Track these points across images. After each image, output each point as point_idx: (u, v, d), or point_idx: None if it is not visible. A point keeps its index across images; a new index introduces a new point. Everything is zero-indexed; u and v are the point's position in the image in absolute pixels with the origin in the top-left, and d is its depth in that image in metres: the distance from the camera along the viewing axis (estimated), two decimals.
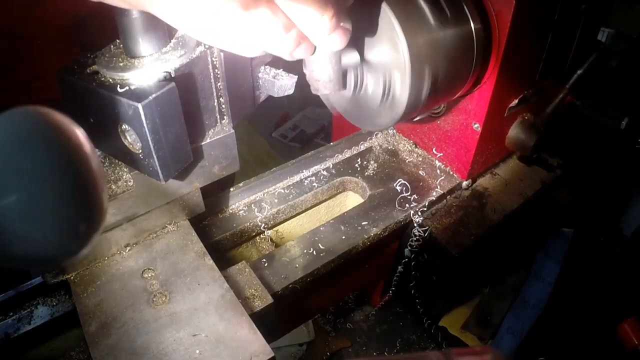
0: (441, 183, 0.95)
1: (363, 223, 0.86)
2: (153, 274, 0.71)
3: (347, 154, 1.03)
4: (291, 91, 0.72)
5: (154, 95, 0.56)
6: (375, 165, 1.01)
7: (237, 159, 0.77)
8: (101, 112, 0.60)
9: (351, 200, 1.06)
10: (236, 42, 0.53)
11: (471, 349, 0.90)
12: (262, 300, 0.70)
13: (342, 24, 0.54)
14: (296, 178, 0.97)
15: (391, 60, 0.66)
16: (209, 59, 0.65)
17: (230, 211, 0.90)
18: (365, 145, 1.06)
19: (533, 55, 0.85)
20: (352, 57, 0.66)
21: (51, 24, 0.80)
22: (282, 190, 0.95)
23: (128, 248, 0.75)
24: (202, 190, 0.78)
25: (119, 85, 0.57)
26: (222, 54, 0.65)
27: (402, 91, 0.68)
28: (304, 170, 0.98)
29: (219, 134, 0.72)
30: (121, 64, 0.60)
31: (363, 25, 0.68)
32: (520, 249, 1.33)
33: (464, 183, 0.96)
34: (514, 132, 0.94)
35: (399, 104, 0.70)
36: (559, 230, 1.35)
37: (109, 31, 0.63)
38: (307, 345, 1.21)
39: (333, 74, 0.62)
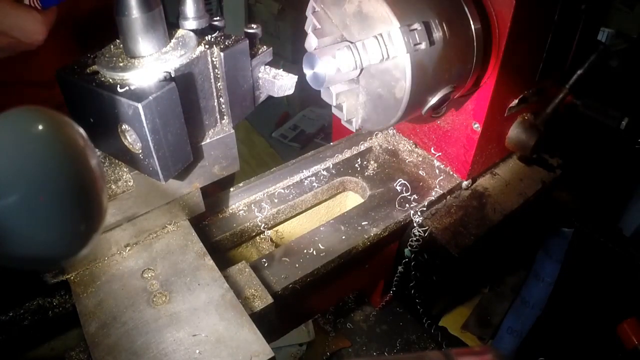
0: (441, 183, 0.95)
1: (363, 223, 0.86)
2: (153, 274, 0.71)
3: (347, 154, 1.03)
4: (291, 91, 0.72)
5: (154, 95, 0.55)
6: (375, 165, 1.01)
7: (237, 159, 0.77)
8: (101, 112, 0.60)
9: (351, 200, 1.06)
10: None
11: (471, 349, 0.90)
12: (262, 300, 0.70)
13: None
14: (296, 178, 0.97)
15: (391, 60, 0.66)
16: (209, 59, 0.65)
17: (230, 211, 0.90)
18: (365, 145, 1.06)
19: (533, 55, 0.85)
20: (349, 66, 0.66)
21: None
22: (282, 190, 0.95)
23: (128, 248, 0.75)
24: (202, 190, 0.78)
25: (119, 85, 0.57)
26: (222, 54, 0.65)
27: (402, 91, 0.68)
28: (304, 170, 0.98)
29: (219, 134, 0.72)
30: (121, 64, 0.60)
31: (362, 23, 0.68)
32: (520, 249, 1.33)
33: (464, 183, 0.96)
34: (514, 132, 0.94)
35: (399, 103, 0.70)
36: (559, 230, 1.35)
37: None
38: (307, 345, 1.21)
39: None
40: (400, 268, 0.98)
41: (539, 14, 0.79)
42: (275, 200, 0.93)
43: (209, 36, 0.67)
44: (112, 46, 0.64)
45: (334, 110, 0.80)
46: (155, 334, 0.63)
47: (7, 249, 0.29)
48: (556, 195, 1.21)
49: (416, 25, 0.64)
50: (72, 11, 0.91)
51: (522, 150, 0.96)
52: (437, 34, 0.68)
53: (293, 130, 2.56)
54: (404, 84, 0.67)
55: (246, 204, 0.91)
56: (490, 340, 1.21)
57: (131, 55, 0.61)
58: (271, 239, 0.95)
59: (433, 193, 0.93)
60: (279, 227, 0.98)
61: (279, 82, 0.71)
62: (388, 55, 0.64)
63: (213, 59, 0.65)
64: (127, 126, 0.59)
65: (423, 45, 0.65)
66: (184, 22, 0.66)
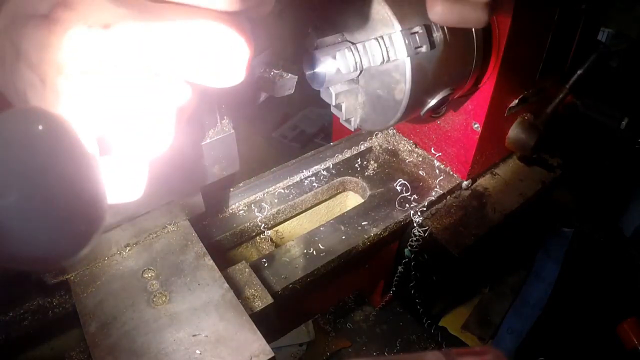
0: (441, 183, 0.95)
1: (363, 223, 0.86)
2: (153, 274, 0.71)
3: (347, 154, 1.03)
4: (291, 91, 0.72)
5: None
6: (375, 165, 1.01)
7: (237, 159, 0.77)
8: None
9: (351, 200, 1.06)
10: None
11: (471, 349, 0.90)
12: (262, 300, 0.70)
13: None
14: (296, 178, 0.97)
15: (391, 62, 0.66)
16: None
17: (230, 211, 0.90)
18: (365, 145, 1.06)
19: (533, 55, 0.85)
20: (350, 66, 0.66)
21: None
22: (282, 190, 0.95)
23: (128, 248, 0.75)
24: (202, 190, 0.78)
25: None
26: None
27: (402, 93, 0.68)
28: (304, 170, 0.98)
29: (219, 134, 0.72)
30: None
31: (362, 25, 0.68)
32: (520, 249, 1.33)
33: (464, 183, 0.96)
34: (514, 132, 0.94)
35: (398, 105, 0.70)
36: (559, 230, 1.36)
37: None
38: (307, 345, 1.21)
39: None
40: (400, 268, 0.99)
41: (539, 14, 0.79)
42: (275, 200, 0.93)
43: None
44: None
45: (334, 110, 0.79)
46: (155, 334, 0.63)
47: (7, 249, 0.29)
48: (556, 195, 1.21)
49: (417, 29, 0.64)
50: None
51: (522, 150, 0.96)
52: (438, 36, 0.68)
53: (293, 130, 2.55)
54: (404, 86, 0.67)
55: (246, 204, 0.91)
56: (490, 340, 1.21)
57: None
58: (271, 239, 0.95)
59: (433, 193, 0.93)
60: (279, 227, 0.98)
61: (279, 82, 0.71)
62: (389, 57, 0.64)
63: None
64: None
65: (424, 49, 0.65)
66: None
